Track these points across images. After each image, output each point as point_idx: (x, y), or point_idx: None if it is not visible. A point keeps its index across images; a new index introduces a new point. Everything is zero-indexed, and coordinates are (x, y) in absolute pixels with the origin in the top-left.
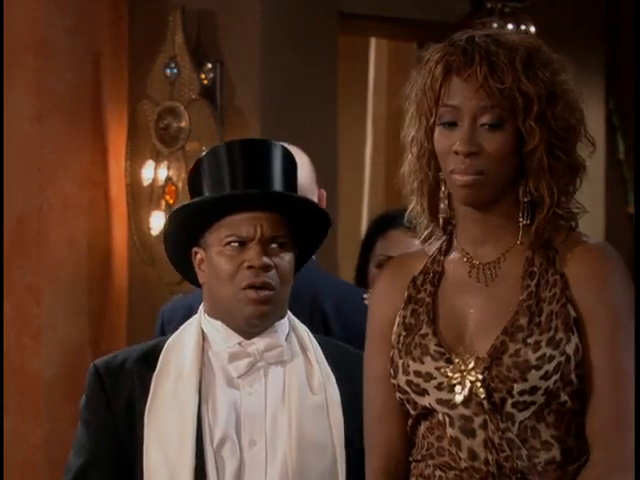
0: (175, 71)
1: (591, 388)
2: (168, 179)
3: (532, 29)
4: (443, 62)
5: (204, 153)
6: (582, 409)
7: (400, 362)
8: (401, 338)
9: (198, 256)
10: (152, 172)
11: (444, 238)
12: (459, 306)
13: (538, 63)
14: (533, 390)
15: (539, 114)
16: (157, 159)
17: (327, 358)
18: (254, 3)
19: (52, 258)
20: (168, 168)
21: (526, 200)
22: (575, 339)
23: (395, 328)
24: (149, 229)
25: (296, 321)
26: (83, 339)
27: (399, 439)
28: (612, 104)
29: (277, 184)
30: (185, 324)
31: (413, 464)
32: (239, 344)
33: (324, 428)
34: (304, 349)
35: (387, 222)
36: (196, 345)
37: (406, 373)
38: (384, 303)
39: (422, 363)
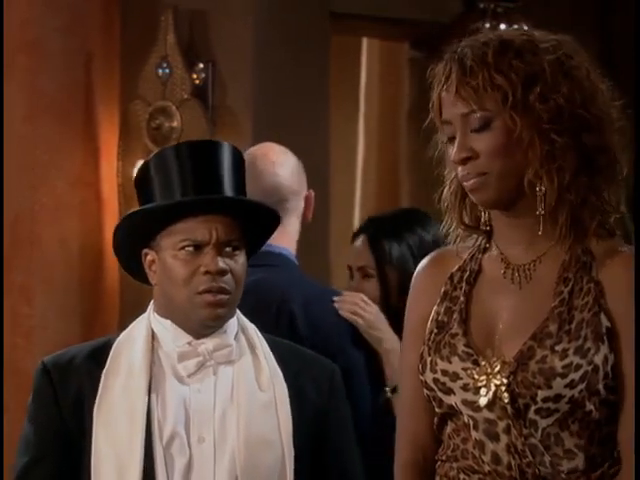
0: (167, 71)
1: (623, 399)
2: None
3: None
4: (439, 79)
5: (151, 156)
6: (608, 418)
7: (429, 359)
8: (432, 335)
9: (148, 257)
10: None
11: (483, 236)
12: (491, 307)
13: (512, 51)
14: (557, 398)
15: (517, 103)
16: None
17: (275, 356)
18: (246, 3)
19: (44, 258)
20: None
21: (537, 191)
22: (605, 349)
23: (429, 324)
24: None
25: (245, 320)
26: (75, 339)
27: (428, 434)
28: None
29: (227, 186)
30: (134, 322)
31: (439, 463)
32: (188, 344)
33: (272, 425)
34: (253, 348)
35: (356, 231)
36: (146, 343)
37: (433, 371)
38: (422, 297)
39: (450, 362)
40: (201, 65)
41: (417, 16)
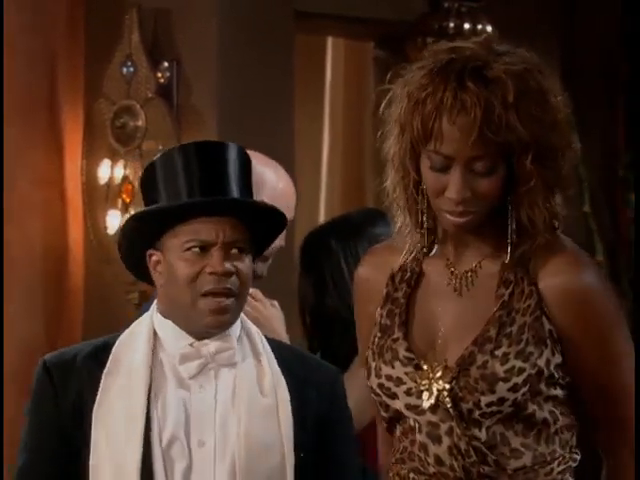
0: (131, 69)
1: (586, 392)
2: (124, 178)
3: (489, 28)
4: (433, 99)
5: (157, 157)
6: (555, 416)
7: (373, 365)
8: (376, 339)
9: (154, 258)
10: (108, 171)
11: (428, 238)
12: (433, 311)
13: (529, 99)
14: (501, 401)
15: (535, 155)
16: (113, 158)
17: (278, 360)
18: (211, 2)
19: (8, 257)
20: (124, 167)
21: (514, 227)
22: (548, 352)
23: (374, 327)
24: (105, 228)
25: (249, 323)
26: (40, 338)
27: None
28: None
29: (234, 187)
30: (136, 322)
31: (390, 464)
32: (190, 345)
33: (273, 430)
34: (256, 352)
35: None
36: (147, 344)
37: (378, 376)
38: (366, 300)
39: (392, 367)
40: (166, 64)
41: (382, 15)
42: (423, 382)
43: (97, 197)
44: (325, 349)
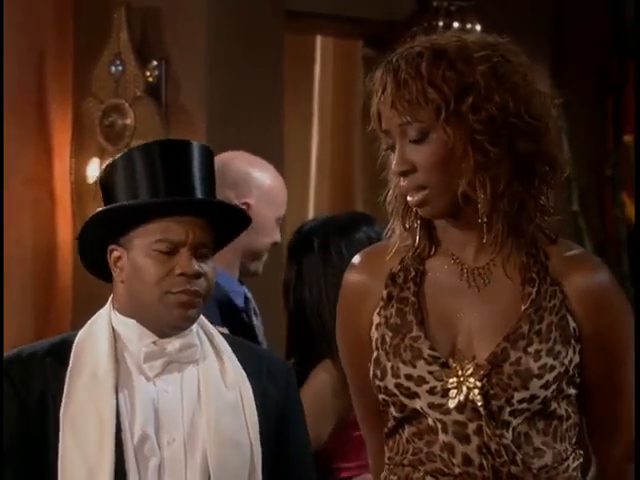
0: (120, 68)
1: (591, 397)
2: None
3: (478, 28)
4: (376, 90)
5: (119, 156)
6: (568, 413)
7: (389, 365)
8: (387, 339)
9: (115, 253)
10: (97, 170)
11: (420, 235)
12: (450, 310)
13: (446, 62)
14: (532, 398)
15: (450, 116)
16: (102, 157)
17: (236, 354)
18: (200, 1)
19: None
20: None
21: (477, 200)
22: (571, 351)
23: (379, 328)
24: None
25: (202, 318)
26: (28, 337)
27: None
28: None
29: (198, 187)
30: (91, 321)
31: (391, 466)
32: (154, 343)
33: (240, 424)
34: (215, 347)
35: None
36: (109, 343)
37: (396, 376)
38: (359, 304)
39: (414, 367)
40: (154, 63)
41: (371, 14)
42: (451, 380)
43: (86, 196)
44: (297, 344)
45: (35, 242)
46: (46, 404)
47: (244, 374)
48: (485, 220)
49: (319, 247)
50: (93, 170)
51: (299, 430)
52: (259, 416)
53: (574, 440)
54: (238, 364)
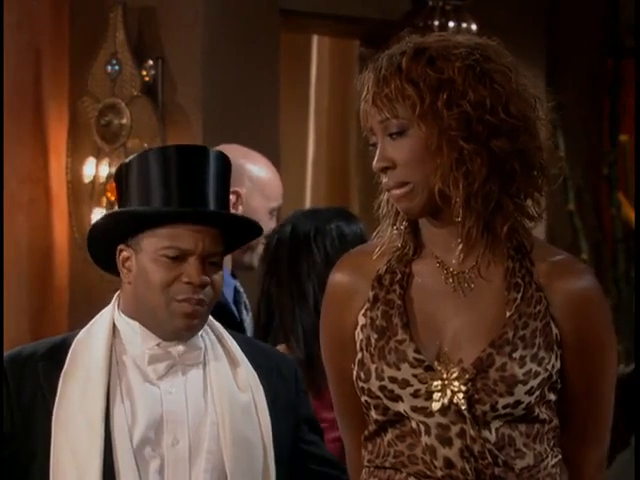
0: (116, 68)
1: (572, 403)
2: (109, 176)
3: (473, 27)
4: (361, 89)
5: (134, 156)
6: (549, 419)
7: (373, 367)
8: (372, 341)
9: (124, 254)
10: (93, 169)
11: (406, 237)
12: (435, 314)
13: (425, 59)
14: (516, 404)
15: (426, 111)
16: (98, 156)
17: (245, 355)
18: (196, 0)
19: None
20: (109, 165)
21: (453, 198)
22: (554, 358)
23: (363, 330)
24: (90, 226)
25: (211, 319)
26: (24, 336)
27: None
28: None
29: (212, 197)
30: (93, 320)
31: (371, 469)
32: (157, 345)
33: (254, 426)
34: (226, 348)
35: None
36: (106, 343)
37: (380, 378)
38: (343, 305)
39: (398, 369)
40: (150, 62)
41: (367, 13)
42: (435, 383)
43: (82, 195)
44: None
45: (31, 241)
46: (35, 407)
47: (255, 375)
48: (459, 219)
49: (290, 236)
50: (89, 169)
51: (313, 427)
52: (271, 416)
53: (552, 443)
54: (249, 365)
